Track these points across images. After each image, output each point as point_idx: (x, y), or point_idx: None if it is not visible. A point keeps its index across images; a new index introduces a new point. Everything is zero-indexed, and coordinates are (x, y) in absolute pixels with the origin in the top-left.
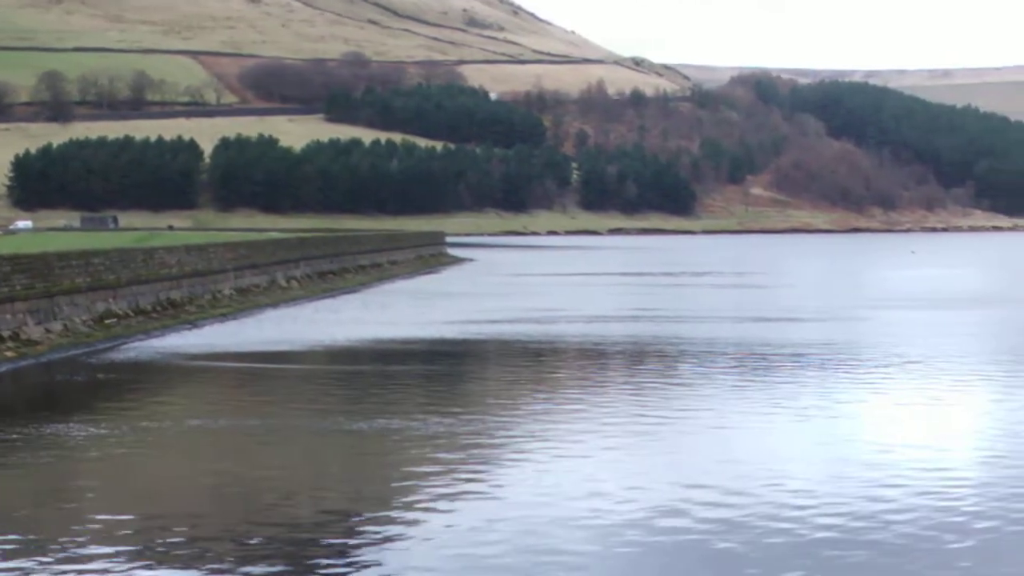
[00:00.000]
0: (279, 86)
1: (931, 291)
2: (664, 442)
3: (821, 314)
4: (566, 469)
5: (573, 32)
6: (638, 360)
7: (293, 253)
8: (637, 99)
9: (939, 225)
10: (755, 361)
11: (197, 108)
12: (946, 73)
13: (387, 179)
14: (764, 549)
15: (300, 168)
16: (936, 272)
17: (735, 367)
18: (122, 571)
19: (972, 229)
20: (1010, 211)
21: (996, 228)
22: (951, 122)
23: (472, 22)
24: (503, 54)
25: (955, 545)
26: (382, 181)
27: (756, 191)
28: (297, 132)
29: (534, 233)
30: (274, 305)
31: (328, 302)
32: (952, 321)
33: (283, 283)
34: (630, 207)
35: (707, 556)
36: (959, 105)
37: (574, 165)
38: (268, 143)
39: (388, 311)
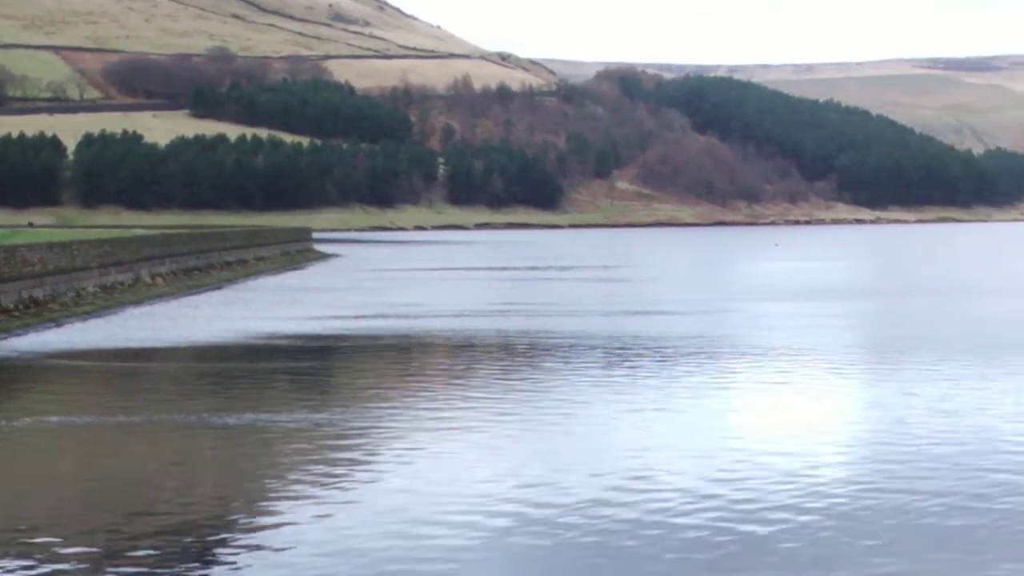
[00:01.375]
0: (143, 82)
1: (796, 283)
2: (534, 435)
3: (688, 307)
4: (436, 463)
5: (439, 27)
6: (507, 354)
7: (158, 250)
8: (503, 94)
9: (802, 218)
10: (624, 354)
11: (60, 104)
12: (809, 68)
13: (253, 175)
14: (641, 541)
15: (165, 164)
16: (800, 265)
17: (604, 360)
18: None
19: (835, 222)
20: (872, 204)
21: (858, 221)
22: (814, 116)
23: (338, 17)
24: (369, 49)
25: (827, 534)
26: (248, 177)
27: (622, 185)
28: (162, 128)
29: (401, 228)
30: (139, 302)
31: (194, 299)
32: (818, 313)
33: (148, 280)
34: (497, 202)
35: (582, 547)
36: (822, 99)
37: (440, 160)
38: (133, 139)
39: (254, 307)
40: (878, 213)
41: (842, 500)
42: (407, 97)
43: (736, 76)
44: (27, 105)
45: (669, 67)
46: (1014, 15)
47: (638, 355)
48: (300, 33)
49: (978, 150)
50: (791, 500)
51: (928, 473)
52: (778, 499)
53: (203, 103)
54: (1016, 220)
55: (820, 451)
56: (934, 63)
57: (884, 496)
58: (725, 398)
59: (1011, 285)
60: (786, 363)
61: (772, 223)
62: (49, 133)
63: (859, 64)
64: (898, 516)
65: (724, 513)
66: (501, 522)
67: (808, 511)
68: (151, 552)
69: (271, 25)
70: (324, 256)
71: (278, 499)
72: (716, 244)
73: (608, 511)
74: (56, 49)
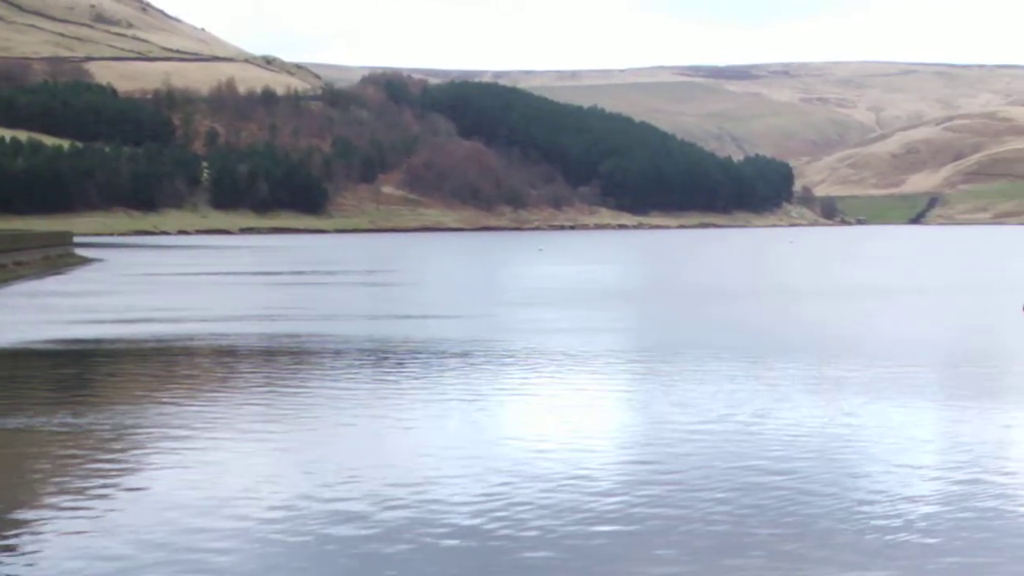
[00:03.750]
0: None
1: (562, 288)
2: (300, 440)
3: (456, 311)
4: (202, 469)
5: (203, 30)
6: (272, 359)
7: None
8: (268, 98)
9: (567, 223)
10: (391, 359)
11: None
12: (573, 74)
13: (12, 178)
14: (408, 544)
15: None
16: (566, 269)
17: (371, 365)
18: None
19: (598, 227)
20: (634, 209)
21: (622, 226)
22: (578, 122)
23: (99, 18)
24: (131, 51)
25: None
26: (7, 180)
27: (388, 190)
28: None
29: (164, 232)
30: None
31: None
32: (587, 317)
33: None
34: (262, 206)
35: (346, 554)
36: (586, 106)
37: (204, 164)
38: None
39: (13, 313)
40: (641, 218)
41: (611, 504)
42: (170, 100)
43: (501, 81)
44: None
45: (435, 72)
46: (773, 26)
47: (405, 359)
48: (61, 34)
49: (738, 157)
50: (551, 503)
51: (690, 474)
52: (541, 502)
53: None
54: (774, 225)
55: (585, 453)
56: (695, 71)
57: (647, 498)
58: (493, 402)
59: (771, 287)
60: (552, 366)
61: (537, 228)
62: None
63: (622, 71)
64: (666, 516)
65: (481, 520)
66: (273, 532)
67: (578, 515)
68: None
69: (31, 26)
70: (87, 260)
71: (37, 506)
72: (482, 249)
73: (374, 515)
74: None
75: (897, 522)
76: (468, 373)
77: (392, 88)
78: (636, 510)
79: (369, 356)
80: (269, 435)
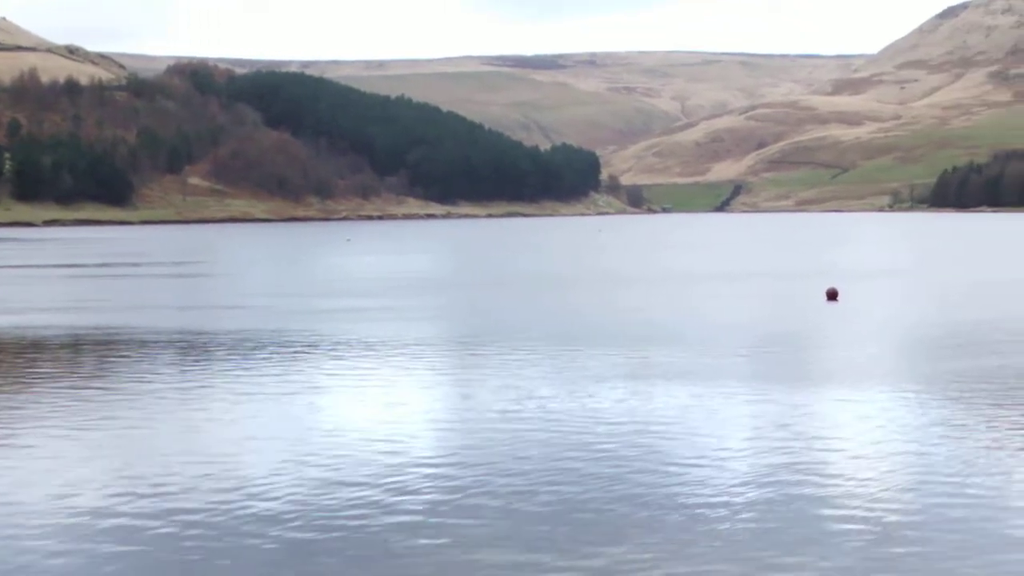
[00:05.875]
0: None
1: (372, 277)
2: (108, 434)
3: (265, 303)
4: (8, 468)
5: (3, 19)
6: (77, 352)
7: None
8: (71, 88)
9: (375, 213)
10: (200, 350)
11: None
12: (380, 64)
13: None
14: (218, 543)
15: None
16: (375, 259)
17: (179, 356)
18: None
19: (407, 216)
20: (442, 199)
21: (430, 216)
22: (385, 112)
23: None
24: None
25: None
26: None
27: (194, 181)
28: None
29: None
30: None
31: None
32: (396, 307)
33: None
34: (66, 198)
35: (162, 556)
36: (393, 95)
37: (7, 155)
38: None
39: None
40: (449, 208)
41: (424, 495)
42: None
43: (309, 72)
44: None
45: (241, 62)
46: (579, 17)
47: (214, 351)
48: None
49: (545, 146)
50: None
51: (510, 460)
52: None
53: None
54: (582, 214)
55: (397, 443)
56: (503, 61)
57: (456, 488)
58: (305, 393)
59: (586, 276)
60: (363, 357)
61: (345, 218)
62: None
63: (430, 61)
64: (485, 505)
65: (292, 515)
66: (92, 534)
67: (388, 505)
68: None
69: None
70: None
71: None
72: (290, 240)
73: (185, 511)
74: None
75: (716, 510)
76: (278, 364)
77: (198, 78)
78: (446, 498)
79: (178, 348)
80: (74, 429)
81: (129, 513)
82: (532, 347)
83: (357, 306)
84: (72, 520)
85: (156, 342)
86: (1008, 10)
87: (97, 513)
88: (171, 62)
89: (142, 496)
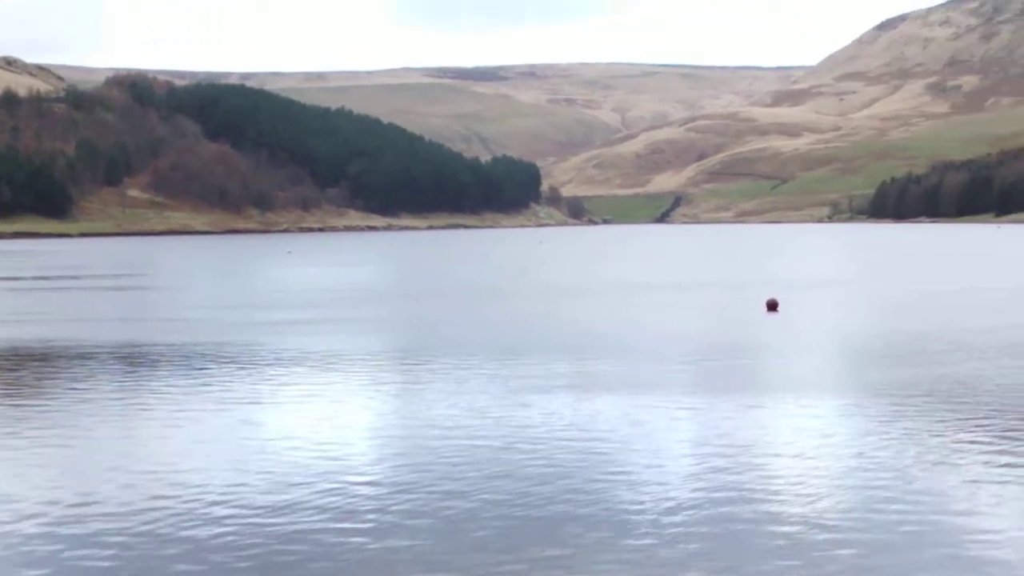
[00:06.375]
0: None
1: (313, 289)
2: (49, 449)
3: (205, 315)
4: None
5: None
6: (16, 365)
7: None
8: (9, 99)
9: (316, 225)
10: (141, 363)
11: None
12: (321, 76)
13: None
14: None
15: None
16: (316, 271)
17: (120, 369)
18: None
19: (348, 228)
20: (384, 211)
21: (371, 228)
22: (326, 124)
23: None
24: None
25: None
26: None
27: (134, 193)
28: None
29: None
30: None
31: None
32: (336, 319)
33: None
34: (3, 210)
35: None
36: (334, 107)
37: None
38: None
39: None
40: (390, 220)
41: (366, 506)
42: None
43: (248, 83)
44: None
45: (181, 74)
46: (519, 29)
47: (156, 363)
48: None
49: (486, 158)
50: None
51: (453, 472)
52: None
53: None
54: (523, 226)
55: (337, 457)
56: (443, 72)
57: (397, 500)
58: (245, 406)
59: (527, 287)
60: (304, 369)
61: (286, 230)
62: None
63: (370, 73)
64: (429, 517)
65: (237, 525)
66: (33, 550)
67: (330, 516)
68: None
69: None
70: None
71: None
72: (230, 252)
73: (123, 525)
74: None
75: (647, 515)
76: (219, 376)
77: (137, 90)
78: (387, 508)
79: (118, 361)
80: (10, 443)
81: (64, 527)
82: (474, 358)
83: (298, 318)
84: (3, 531)
85: (96, 355)
86: (945, 22)
87: (31, 529)
88: (110, 74)
89: (77, 511)
